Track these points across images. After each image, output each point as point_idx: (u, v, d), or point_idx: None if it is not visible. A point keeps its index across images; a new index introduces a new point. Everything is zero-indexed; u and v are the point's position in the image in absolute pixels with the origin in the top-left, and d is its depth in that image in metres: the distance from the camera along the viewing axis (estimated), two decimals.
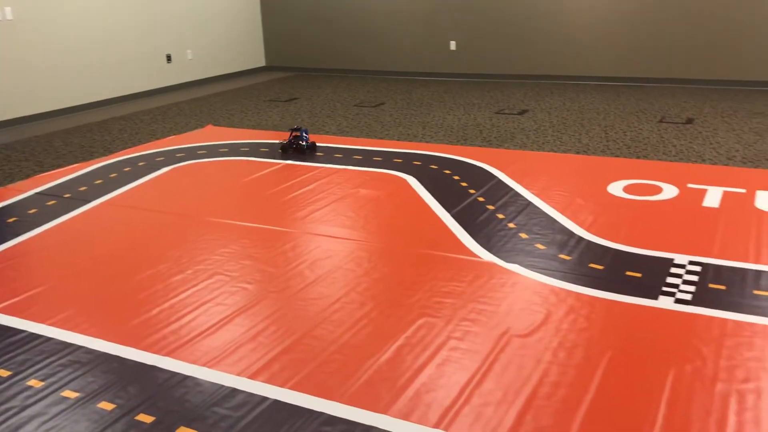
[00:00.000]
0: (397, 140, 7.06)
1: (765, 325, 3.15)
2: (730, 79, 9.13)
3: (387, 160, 6.19)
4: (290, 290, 3.71)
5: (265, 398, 2.75)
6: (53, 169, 6.33)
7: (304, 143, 6.40)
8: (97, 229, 4.76)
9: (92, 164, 6.42)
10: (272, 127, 7.92)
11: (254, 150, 6.72)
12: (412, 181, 5.54)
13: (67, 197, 5.42)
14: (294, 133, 6.41)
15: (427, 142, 6.96)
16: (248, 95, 10.12)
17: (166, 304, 3.57)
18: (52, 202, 5.32)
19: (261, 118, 8.46)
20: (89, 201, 5.29)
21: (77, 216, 5.00)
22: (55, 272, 4.05)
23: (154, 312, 3.50)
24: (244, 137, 7.33)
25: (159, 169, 6.16)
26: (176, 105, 9.46)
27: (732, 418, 2.53)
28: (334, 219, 4.75)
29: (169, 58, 10.61)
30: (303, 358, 3.04)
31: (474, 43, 10.75)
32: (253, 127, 7.95)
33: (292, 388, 2.82)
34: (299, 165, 6.08)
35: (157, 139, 7.50)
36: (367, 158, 6.27)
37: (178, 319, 3.41)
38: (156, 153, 6.78)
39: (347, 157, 6.34)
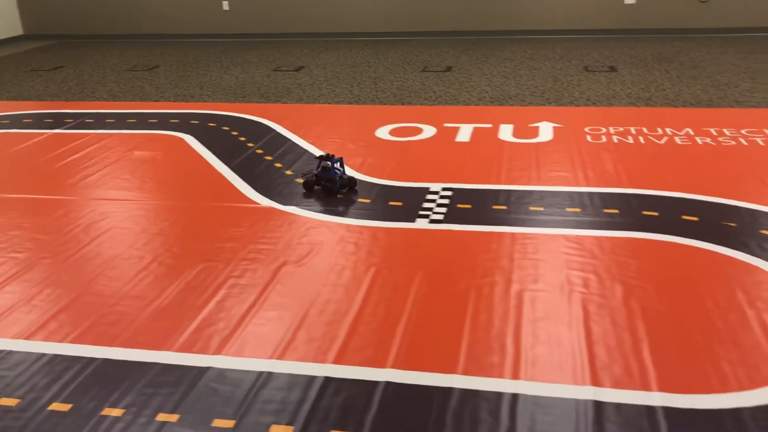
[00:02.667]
0: (173, 102, 6.98)
1: (501, 233, 3.70)
2: (484, 29, 10.06)
3: (163, 122, 6.13)
4: (64, 254, 3.66)
5: (42, 354, 2.76)
6: None
7: (336, 179, 4.25)
8: None
9: None
10: (36, 97, 7.43)
11: (16, 122, 6.30)
12: (189, 139, 5.57)
13: None
14: (323, 164, 4.28)
15: (204, 101, 6.95)
16: (4, 66, 9.31)
17: None
18: None
19: (22, 89, 7.88)
20: None
21: None
22: None
23: None
24: (4, 110, 6.82)
25: None
26: None
27: (470, 308, 3.00)
28: (109, 182, 4.68)
29: None
30: (81, 314, 3.07)
31: (247, 3, 10.73)
32: (14, 99, 7.40)
33: (71, 342, 2.85)
34: (68, 133, 5.83)
35: None
36: (142, 121, 6.16)
37: None
38: None
39: (120, 121, 6.18)
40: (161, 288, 3.27)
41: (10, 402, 2.49)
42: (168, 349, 2.79)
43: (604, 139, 5.11)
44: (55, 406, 2.45)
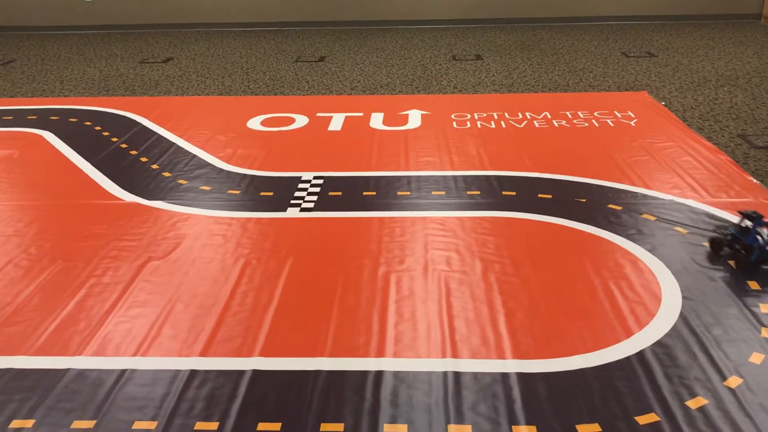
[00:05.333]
0: (31, 97, 6.59)
1: (370, 218, 3.78)
2: (357, 20, 10.14)
3: (20, 118, 5.77)
4: None
5: None
6: None
7: (755, 248, 3.11)
8: None
9: None
10: None
11: None
12: (49, 136, 5.29)
13: None
14: (743, 223, 3.21)
15: (65, 96, 6.61)
16: None
17: None
18: None
19: None
20: None
21: None
22: None
23: None
24: None
25: None
26: None
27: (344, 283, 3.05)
28: None
29: None
30: None
31: None
32: None
33: None
34: None
35: None
36: None
37: None
38: None
39: None
40: (16, 291, 3.11)
41: None
42: (23, 353, 2.67)
43: (469, 125, 5.31)
44: None
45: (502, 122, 5.33)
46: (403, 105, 5.89)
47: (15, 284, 3.18)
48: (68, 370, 2.56)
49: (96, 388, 2.46)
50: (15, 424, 2.29)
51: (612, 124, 5.22)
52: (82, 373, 2.54)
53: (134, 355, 2.64)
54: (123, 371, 2.54)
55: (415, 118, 5.50)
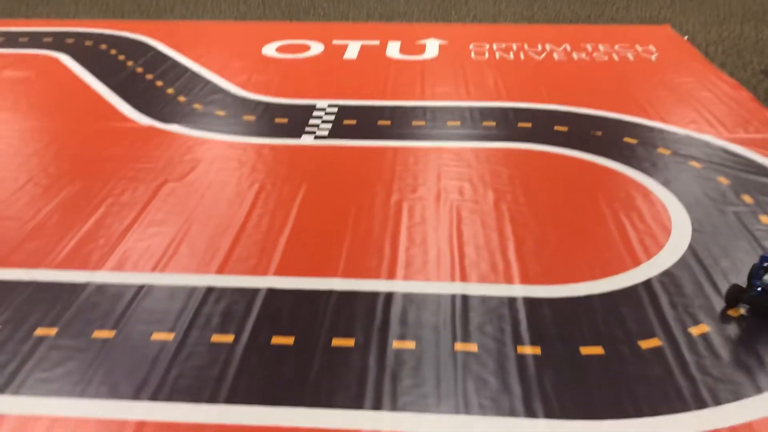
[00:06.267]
0: (47, 18, 6.55)
1: (384, 147, 3.80)
2: None
3: (35, 40, 5.75)
4: None
5: None
6: None
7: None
8: None
9: None
10: None
11: None
12: (65, 58, 5.28)
13: None
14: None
15: (81, 18, 6.56)
16: None
17: None
18: None
19: None
20: None
21: None
22: None
23: None
24: None
25: None
26: None
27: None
28: None
29: None
30: None
31: None
32: None
33: None
34: None
35: None
36: (11, 40, 5.76)
37: None
38: None
39: None
40: (37, 208, 3.18)
41: None
42: (46, 267, 2.75)
43: (487, 55, 5.24)
44: None
45: (521, 54, 5.25)
46: (421, 34, 5.80)
47: (36, 201, 3.25)
48: (88, 283, 2.64)
49: (115, 301, 2.54)
50: (39, 331, 2.38)
51: (632, 58, 5.13)
52: (101, 287, 2.62)
53: (152, 271, 2.72)
54: (141, 286, 2.62)
55: (432, 48, 5.43)
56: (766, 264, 2.45)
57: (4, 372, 2.20)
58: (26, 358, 2.26)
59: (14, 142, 3.91)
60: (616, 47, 5.37)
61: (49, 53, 5.40)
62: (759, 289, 2.42)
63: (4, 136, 3.97)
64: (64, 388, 2.15)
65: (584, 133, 3.90)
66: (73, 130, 4.05)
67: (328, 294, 2.58)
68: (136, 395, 2.11)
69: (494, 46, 5.42)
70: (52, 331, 2.39)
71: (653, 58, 5.12)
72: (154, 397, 2.11)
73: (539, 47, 5.39)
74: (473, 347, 2.30)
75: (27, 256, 2.82)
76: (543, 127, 3.99)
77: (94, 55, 5.37)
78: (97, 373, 2.20)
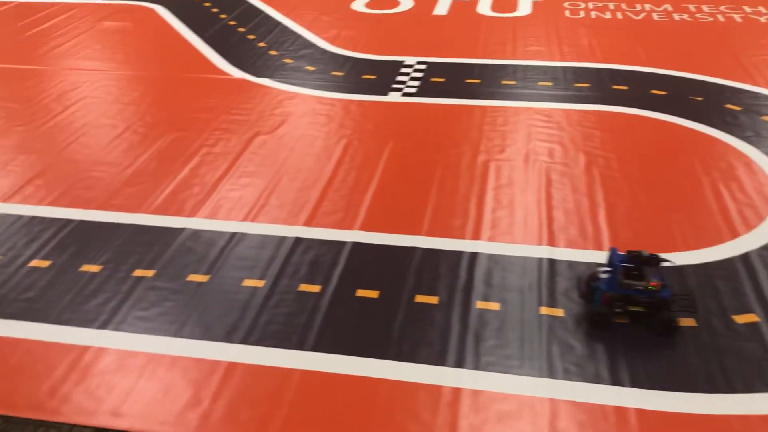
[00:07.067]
0: None
1: (472, 106, 3.74)
2: None
3: None
4: (37, 123, 3.66)
5: (20, 216, 2.84)
6: None
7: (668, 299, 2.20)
8: None
9: None
10: None
11: None
12: (160, 10, 5.41)
13: None
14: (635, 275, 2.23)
15: None
16: None
17: None
18: None
19: None
20: None
21: None
22: None
23: None
24: None
25: None
26: None
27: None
28: (79, 52, 4.60)
29: None
30: (57, 179, 3.12)
31: None
32: None
33: (48, 204, 2.93)
34: (35, 2, 5.63)
35: None
36: None
37: None
38: None
39: None
40: (135, 155, 3.32)
41: None
42: (143, 211, 2.88)
43: (582, 14, 5.05)
44: (36, 263, 2.56)
45: (618, 13, 5.03)
46: None
47: (134, 148, 3.38)
48: (184, 229, 2.75)
49: (209, 247, 2.63)
50: (138, 272, 2.50)
51: (740, 20, 4.83)
52: (196, 233, 2.72)
53: (244, 220, 2.80)
54: (233, 234, 2.71)
55: (525, 5, 5.27)
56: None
57: (105, 308, 2.33)
58: (126, 296, 2.39)
59: (113, 90, 4.06)
60: (722, 8, 5.06)
61: (145, 4, 5.55)
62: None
63: (103, 84, 4.13)
64: (161, 327, 2.26)
65: (683, 98, 3.72)
66: (169, 81, 4.18)
67: (412, 251, 2.59)
68: (228, 338, 2.20)
69: (590, 5, 5.22)
70: (150, 273, 2.50)
71: (763, 19, 4.81)
72: (245, 340, 2.19)
73: (637, 6, 5.15)
74: (559, 312, 2.27)
75: (126, 200, 2.95)
76: (639, 90, 3.83)
77: (189, 6, 5.48)
78: (192, 315, 2.30)
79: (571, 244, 2.60)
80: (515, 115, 3.62)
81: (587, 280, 2.26)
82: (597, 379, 2.02)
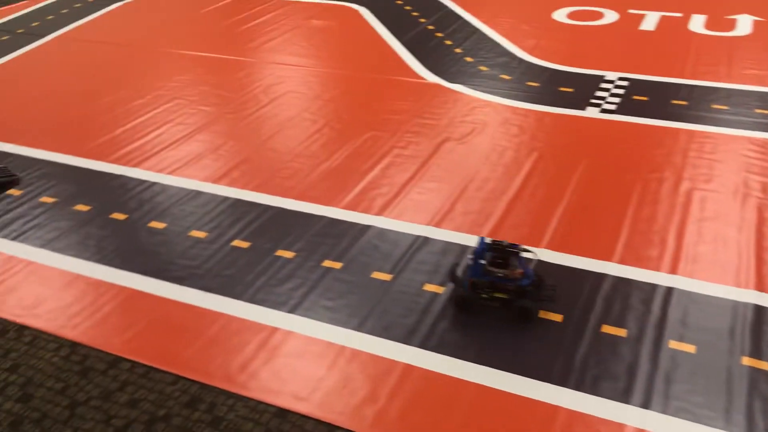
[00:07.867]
0: None
1: (677, 128, 3.51)
2: None
3: None
4: (245, 111, 3.93)
5: (226, 198, 3.07)
6: (1, 6, 6.22)
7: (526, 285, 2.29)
8: (54, 61, 4.83)
9: (41, 1, 6.30)
10: None
11: None
12: (363, 11, 5.62)
13: (20, 32, 5.41)
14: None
15: None
16: None
17: (129, 125, 3.78)
18: (6, 37, 5.31)
19: None
20: (43, 36, 5.30)
21: (33, 50, 5.04)
22: (14, 100, 4.20)
23: (118, 132, 3.72)
24: None
25: (111, 4, 6.10)
26: None
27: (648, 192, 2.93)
28: (287, 48, 4.89)
29: None
30: (260, 167, 3.34)
31: None
32: None
33: (252, 189, 3.14)
34: None
35: None
36: None
37: (142, 137, 3.64)
38: None
39: None
40: (331, 150, 3.46)
41: (201, 234, 2.82)
42: (335, 205, 2.99)
43: None
44: (237, 243, 2.75)
45: None
46: (732, 8, 5.22)
47: (330, 144, 3.53)
48: (371, 226, 2.82)
49: (394, 247, 2.69)
50: (326, 263, 2.61)
51: None
52: (382, 232, 2.79)
53: (428, 224, 2.82)
54: (417, 237, 2.74)
55: (744, 24, 4.86)
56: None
57: (295, 294, 2.45)
58: (315, 285, 2.50)
59: (315, 86, 4.27)
60: None
61: (351, 5, 5.79)
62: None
63: (306, 80, 4.35)
64: (343, 318, 2.33)
65: None
66: (366, 80, 4.32)
67: (602, 277, 2.48)
68: (407, 339, 2.23)
69: None
70: (338, 265, 2.60)
71: None
72: (423, 344, 2.20)
73: None
74: (764, 365, 2.06)
75: (321, 193, 3.09)
76: None
77: (390, 9, 5.64)
78: (374, 311, 2.35)
79: None
80: (726, 143, 3.34)
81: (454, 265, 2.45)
82: None
